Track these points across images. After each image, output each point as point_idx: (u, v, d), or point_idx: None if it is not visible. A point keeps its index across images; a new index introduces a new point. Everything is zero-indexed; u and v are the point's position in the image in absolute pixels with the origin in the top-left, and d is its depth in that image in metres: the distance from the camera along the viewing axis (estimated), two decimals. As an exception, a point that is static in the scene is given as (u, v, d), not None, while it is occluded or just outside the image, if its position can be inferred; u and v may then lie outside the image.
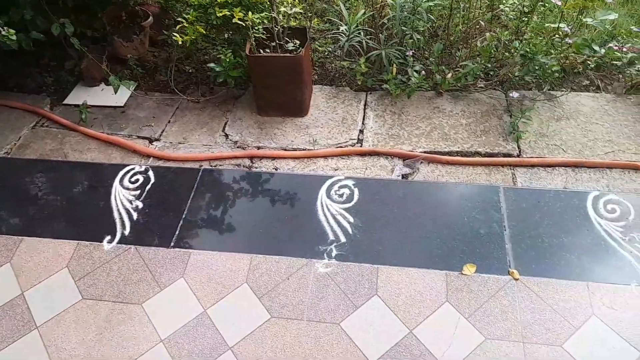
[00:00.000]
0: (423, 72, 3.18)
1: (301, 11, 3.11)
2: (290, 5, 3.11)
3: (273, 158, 2.98)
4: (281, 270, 2.34)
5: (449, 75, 3.25)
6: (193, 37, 2.99)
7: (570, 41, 2.99)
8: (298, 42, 3.07)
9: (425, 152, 2.99)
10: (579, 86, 3.53)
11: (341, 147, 3.04)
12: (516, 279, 2.17)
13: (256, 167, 2.94)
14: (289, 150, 3.04)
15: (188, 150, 3.07)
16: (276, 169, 2.92)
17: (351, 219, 2.52)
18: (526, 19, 2.94)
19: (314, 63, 3.63)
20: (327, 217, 2.47)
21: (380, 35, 3.26)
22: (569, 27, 3.06)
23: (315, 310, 2.16)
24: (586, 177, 2.78)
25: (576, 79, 3.57)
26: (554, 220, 2.43)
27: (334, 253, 2.37)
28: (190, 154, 3.00)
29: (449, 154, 2.97)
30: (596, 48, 2.88)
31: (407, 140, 3.06)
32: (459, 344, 2.01)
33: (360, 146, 3.04)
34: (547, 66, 2.93)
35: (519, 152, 2.93)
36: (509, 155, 2.91)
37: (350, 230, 2.47)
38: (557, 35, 2.97)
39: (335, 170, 2.90)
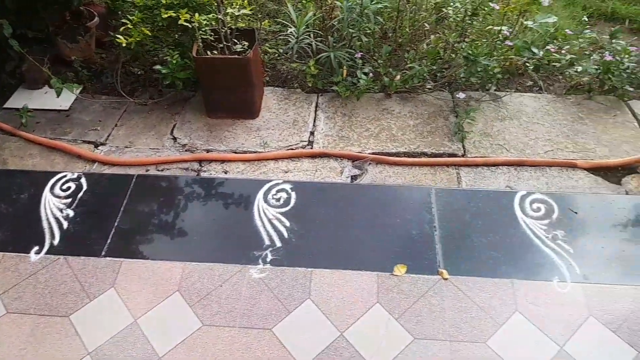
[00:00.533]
0: (371, 74, 3.21)
1: (249, 13, 3.09)
2: (238, 6, 3.09)
3: (222, 161, 2.96)
4: (214, 278, 2.31)
5: (397, 77, 3.31)
6: (138, 39, 2.93)
7: (511, 43, 3.08)
8: (247, 43, 3.05)
9: (373, 153, 3.03)
10: (523, 87, 3.65)
11: (292, 149, 3.05)
12: (445, 279, 2.22)
13: (205, 171, 2.91)
14: (239, 153, 3.02)
15: (134, 155, 3.01)
16: (226, 172, 2.90)
17: (287, 223, 2.52)
18: (470, 21, 3.01)
19: (266, 64, 3.62)
20: (264, 222, 2.47)
21: (330, 37, 3.28)
22: (511, 30, 3.16)
23: (248, 317, 2.15)
24: (527, 176, 2.88)
25: (521, 79, 3.69)
26: (483, 220, 2.49)
27: (269, 258, 2.37)
28: (136, 159, 2.95)
29: (397, 154, 3.02)
30: (535, 50, 2.98)
31: (356, 142, 3.10)
32: (388, 344, 2.04)
33: (311, 148, 3.06)
34: (488, 68, 3.01)
35: (464, 152, 3.01)
36: (454, 155, 2.99)
37: (286, 234, 2.48)
38: (498, 38, 3.06)
39: (286, 172, 2.91)
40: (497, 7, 2.88)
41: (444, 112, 3.29)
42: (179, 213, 2.61)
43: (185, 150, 3.05)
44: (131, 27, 2.91)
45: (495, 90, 3.53)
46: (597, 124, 3.17)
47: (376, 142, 3.10)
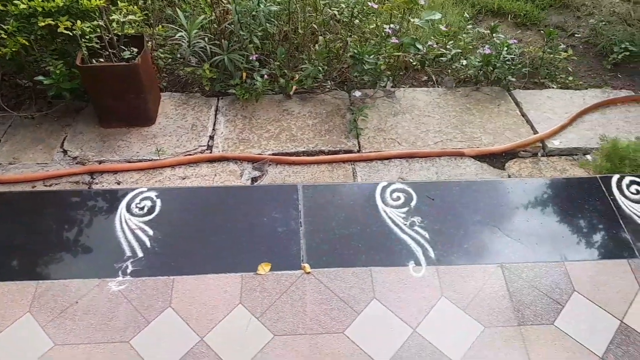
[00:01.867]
0: (265, 76, 3.23)
1: (137, 19, 3.01)
2: (124, 13, 3.01)
3: (115, 172, 2.87)
4: (70, 294, 2.18)
5: (296, 78, 3.35)
6: (14, 49, 2.78)
7: (397, 41, 3.21)
8: (136, 49, 2.98)
9: (273, 154, 3.05)
10: (419, 82, 3.82)
11: (190, 154, 3.01)
12: (307, 273, 2.24)
13: (97, 183, 2.81)
14: (133, 162, 2.94)
15: (20, 171, 2.85)
16: (119, 183, 2.81)
17: (151, 232, 2.43)
18: (355, 21, 3.11)
19: (162, 70, 3.55)
20: (125, 233, 2.41)
21: (224, 40, 3.27)
22: (398, 27, 3.29)
23: (105, 332, 2.06)
24: (418, 167, 3.01)
25: (416, 75, 3.86)
26: (347, 212, 2.51)
27: (130, 269, 2.28)
28: (21, 175, 2.80)
29: (296, 154, 3.06)
30: (419, 47, 3.13)
31: (256, 144, 3.11)
32: (249, 344, 2.02)
33: (210, 152, 3.03)
34: (376, 66, 3.12)
35: (359, 148, 3.10)
36: (350, 152, 3.07)
37: (148, 243, 2.38)
38: (384, 37, 3.17)
39: (183, 179, 2.86)
40: (375, 6, 2.99)
41: (341, 110, 3.37)
42: (32, 229, 2.43)
43: (76, 163, 2.93)
44: (5, 36, 2.75)
45: (392, 86, 3.66)
46: (483, 114, 3.37)
47: (276, 143, 3.13)
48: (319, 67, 3.30)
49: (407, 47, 3.11)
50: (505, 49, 3.42)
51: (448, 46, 3.55)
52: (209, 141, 3.12)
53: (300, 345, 2.03)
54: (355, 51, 3.02)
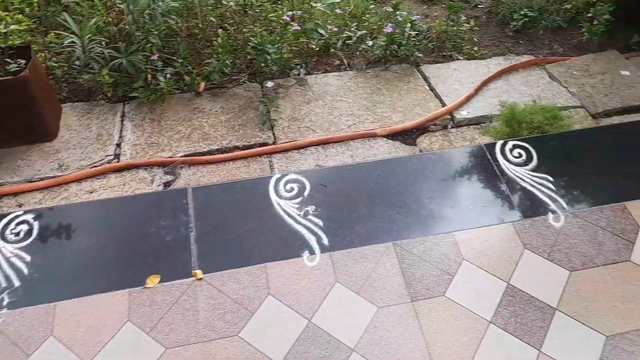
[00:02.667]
0: (169, 75, 3.13)
1: (21, 28, 2.82)
2: (5, 23, 2.81)
3: (15, 194, 2.70)
4: None
5: (202, 74, 3.26)
6: None
7: (299, 27, 3.18)
8: (23, 61, 2.79)
9: (185, 155, 2.97)
10: (332, 67, 3.81)
11: (96, 166, 2.87)
12: (200, 279, 2.16)
13: (-5, 208, 2.63)
14: (34, 181, 2.78)
15: None
16: (20, 206, 2.65)
17: (28, 258, 2.28)
18: (252, 12, 3.05)
19: (60, 80, 3.36)
20: (0, 262, 2.29)
21: (121, 42, 3.12)
22: (300, 13, 3.26)
23: None
24: (334, 152, 3.02)
25: (329, 60, 3.85)
26: (240, 210, 2.44)
27: (6, 301, 2.13)
28: None
29: (209, 153, 2.99)
30: (322, 32, 3.11)
31: (167, 147, 3.01)
32: None
33: (117, 161, 2.91)
34: (277, 55, 3.09)
35: (275, 139, 3.07)
36: (265, 144, 3.04)
37: (26, 271, 2.23)
38: (286, 24, 3.14)
39: (91, 192, 2.74)
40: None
41: (254, 103, 3.32)
42: None
43: (-29, 189, 2.72)
44: None
45: (305, 73, 3.64)
46: (393, 92, 3.42)
47: (188, 143, 3.04)
48: (226, 61, 3.23)
49: (310, 32, 3.09)
50: (409, 25, 3.47)
51: (352, 28, 3.56)
52: (115, 150, 2.99)
53: (193, 355, 1.96)
54: (256, 42, 2.97)
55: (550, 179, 2.46)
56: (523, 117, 2.57)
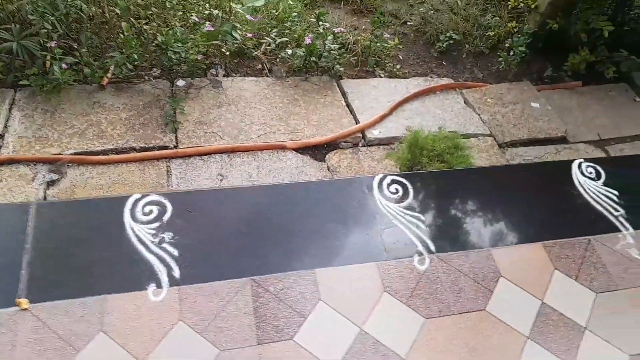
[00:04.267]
0: (64, 65, 2.89)
1: None
2: None
3: None
4: None
5: (111, 68, 3.04)
6: None
7: (212, 29, 3.04)
8: None
9: (76, 153, 2.75)
10: (253, 70, 3.68)
11: (-29, 159, 2.59)
12: (24, 309, 1.89)
13: None
14: None
15: None
16: None
17: None
18: (155, 9, 2.87)
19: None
20: None
21: (14, 24, 2.84)
22: (215, 15, 3.11)
23: None
24: (239, 162, 2.90)
25: (252, 63, 3.72)
26: (89, 233, 2.13)
27: None
28: None
29: (103, 152, 2.79)
30: (236, 36, 2.98)
31: (56, 142, 2.78)
32: None
33: (-3, 155, 2.65)
34: (186, 55, 2.93)
35: (177, 143, 2.91)
36: (165, 148, 2.87)
37: None
38: (195, 24, 2.99)
39: (-41, 187, 2.46)
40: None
41: (161, 101, 3.14)
42: None
43: None
44: None
45: (224, 74, 3.50)
46: (309, 105, 3.34)
47: (81, 140, 2.82)
48: (133, 55, 3.02)
49: (224, 35, 2.95)
50: (330, 37, 3.40)
51: (272, 35, 3.45)
52: (-3, 141, 2.72)
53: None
54: (161, 40, 2.79)
55: (422, 218, 2.35)
56: (425, 143, 2.57)
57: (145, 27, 2.99)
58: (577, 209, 2.53)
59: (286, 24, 3.46)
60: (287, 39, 3.49)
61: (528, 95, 3.75)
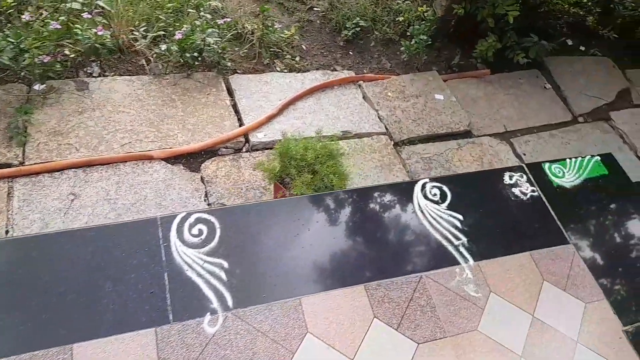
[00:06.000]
0: None
1: None
2: None
3: None
4: None
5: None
6: None
7: (59, 27, 2.66)
8: None
9: None
10: (135, 67, 3.32)
11: None
12: None
13: None
14: None
15: None
16: None
17: None
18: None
19: None
20: None
21: None
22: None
23: None
24: (97, 177, 2.59)
25: (134, 58, 3.36)
26: None
27: None
28: None
29: None
30: (85, 34, 2.62)
31: None
32: None
33: None
34: (26, 59, 2.56)
35: (23, 159, 2.56)
36: (8, 165, 2.52)
37: None
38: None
39: None
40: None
41: (12, 108, 2.76)
42: None
43: None
44: None
45: (100, 73, 3.14)
46: (188, 106, 3.03)
47: None
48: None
49: (74, 34, 2.59)
50: (211, 30, 3.08)
51: (141, 30, 3.09)
52: None
53: None
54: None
55: (225, 265, 1.91)
56: (296, 152, 2.31)
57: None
58: (412, 240, 2.17)
59: (161, 16, 3.10)
60: (163, 33, 3.14)
61: (433, 87, 3.53)
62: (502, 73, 3.87)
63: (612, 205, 2.63)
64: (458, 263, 2.08)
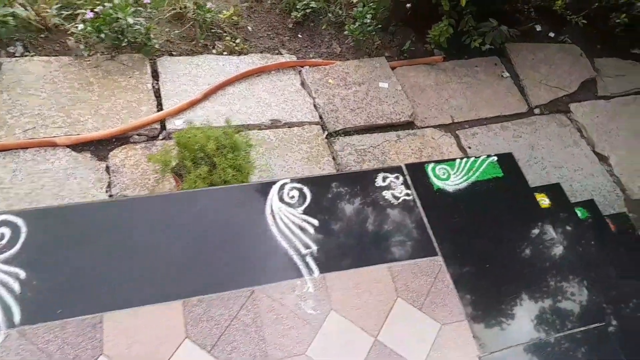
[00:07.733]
0: None
1: None
2: None
3: None
4: None
5: None
6: None
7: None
8: None
9: None
10: (63, 47, 3.15)
11: None
12: None
13: None
14: None
15: None
16: None
17: None
18: None
19: None
20: None
21: None
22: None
23: None
24: (-8, 164, 2.41)
25: (63, 37, 3.18)
26: None
27: None
28: None
29: None
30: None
31: None
32: None
33: None
34: None
35: None
36: None
37: None
38: None
39: None
40: None
41: None
42: None
43: None
44: None
45: (23, 52, 2.97)
46: (106, 89, 2.85)
47: None
48: None
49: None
50: (130, 9, 2.88)
51: (54, 7, 2.91)
52: None
53: None
54: None
55: (22, 275, 1.66)
56: (195, 142, 2.13)
57: None
58: (253, 248, 1.88)
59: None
60: (75, 11, 2.95)
61: (378, 74, 3.32)
62: (458, 60, 3.63)
63: (496, 213, 2.23)
64: (301, 275, 1.82)
